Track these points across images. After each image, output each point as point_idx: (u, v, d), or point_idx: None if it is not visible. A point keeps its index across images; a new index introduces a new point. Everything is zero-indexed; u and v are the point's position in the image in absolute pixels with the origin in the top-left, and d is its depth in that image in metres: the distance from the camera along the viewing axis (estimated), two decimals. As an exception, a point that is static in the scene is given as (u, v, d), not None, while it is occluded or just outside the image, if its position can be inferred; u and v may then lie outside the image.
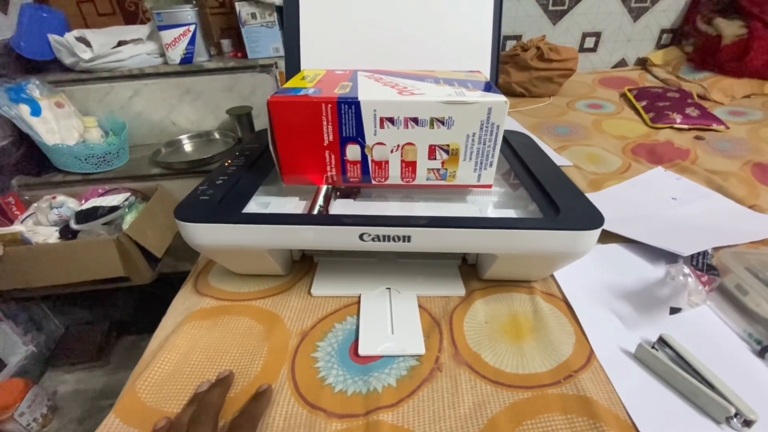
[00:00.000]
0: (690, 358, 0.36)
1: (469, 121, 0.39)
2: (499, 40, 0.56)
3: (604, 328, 0.41)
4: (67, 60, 1.01)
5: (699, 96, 1.05)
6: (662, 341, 0.38)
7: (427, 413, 0.34)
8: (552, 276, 0.48)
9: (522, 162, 0.50)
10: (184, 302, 0.47)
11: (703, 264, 0.45)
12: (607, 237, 0.54)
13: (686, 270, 0.42)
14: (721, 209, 0.60)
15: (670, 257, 0.49)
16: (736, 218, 0.58)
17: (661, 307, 0.43)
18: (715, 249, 0.48)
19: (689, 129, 0.89)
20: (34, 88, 0.95)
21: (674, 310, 0.42)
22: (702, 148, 0.81)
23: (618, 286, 0.47)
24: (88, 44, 0.99)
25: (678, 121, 0.89)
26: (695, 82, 1.10)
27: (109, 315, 1.26)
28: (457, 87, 0.41)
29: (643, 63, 1.32)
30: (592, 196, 0.59)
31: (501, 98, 0.39)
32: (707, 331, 0.41)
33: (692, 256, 0.46)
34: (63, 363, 1.14)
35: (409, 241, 0.38)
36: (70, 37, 0.98)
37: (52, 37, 0.99)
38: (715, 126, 0.88)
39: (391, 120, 0.39)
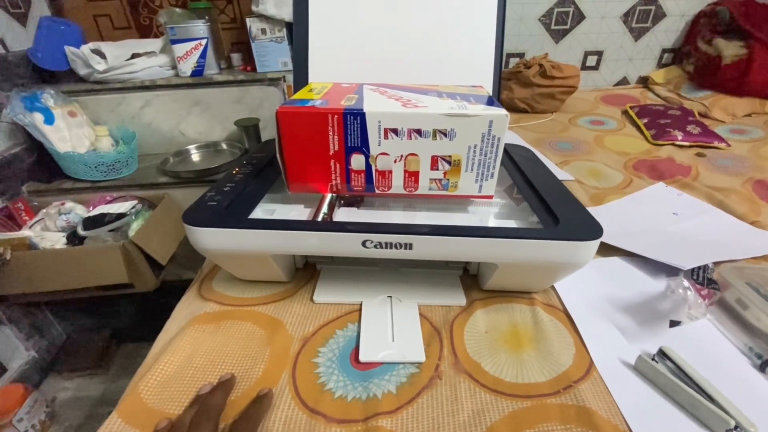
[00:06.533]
0: (690, 371, 0.36)
1: (470, 133, 0.40)
2: (501, 56, 0.57)
3: (604, 340, 0.41)
4: (82, 71, 1.04)
5: (700, 114, 1.06)
6: (662, 353, 0.38)
7: (426, 420, 0.34)
8: (553, 287, 0.48)
9: (523, 174, 0.50)
10: (188, 306, 0.47)
11: (703, 278, 0.46)
12: (608, 250, 0.54)
13: (686, 283, 0.43)
14: (722, 225, 0.61)
15: (671, 271, 0.49)
16: (737, 234, 0.58)
17: (662, 320, 0.43)
18: (716, 263, 0.49)
19: (690, 146, 0.90)
20: (48, 97, 0.97)
21: (674, 323, 0.42)
22: (703, 164, 0.81)
23: (618, 298, 0.47)
24: (102, 56, 1.02)
25: (679, 138, 0.90)
26: (696, 100, 1.12)
27: (111, 322, 1.26)
28: (460, 101, 0.43)
29: (644, 81, 1.34)
30: (594, 210, 0.60)
31: (502, 111, 0.40)
32: (707, 345, 0.41)
33: (693, 270, 0.47)
34: (63, 369, 1.14)
35: (410, 248, 0.39)
36: (85, 49, 1.01)
37: (69, 49, 1.02)
38: (716, 143, 0.89)
39: (395, 131, 0.40)
